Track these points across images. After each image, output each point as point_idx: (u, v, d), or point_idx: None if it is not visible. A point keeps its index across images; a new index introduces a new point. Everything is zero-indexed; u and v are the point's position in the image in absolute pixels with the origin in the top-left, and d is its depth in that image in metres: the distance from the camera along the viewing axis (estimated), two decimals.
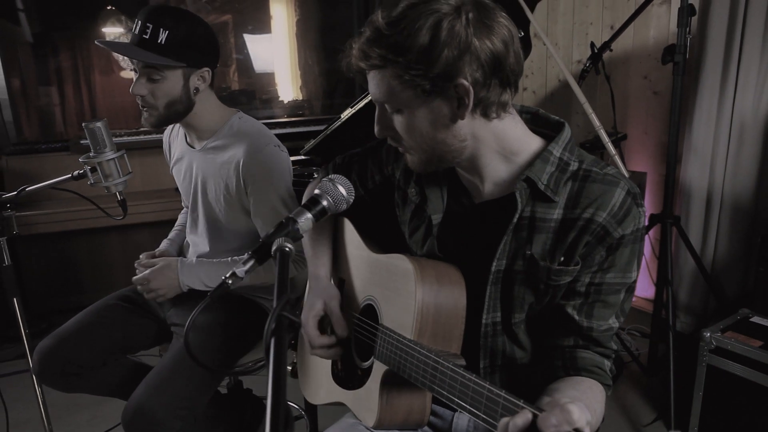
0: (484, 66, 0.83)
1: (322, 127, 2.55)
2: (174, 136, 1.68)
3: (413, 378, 0.89)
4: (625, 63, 2.79)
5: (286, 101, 4.05)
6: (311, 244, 1.22)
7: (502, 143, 0.93)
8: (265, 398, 1.84)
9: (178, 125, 1.65)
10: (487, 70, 0.83)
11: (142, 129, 3.30)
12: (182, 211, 1.84)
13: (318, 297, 1.11)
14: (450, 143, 0.90)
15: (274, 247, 0.79)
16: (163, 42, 1.33)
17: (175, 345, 1.49)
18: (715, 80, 2.32)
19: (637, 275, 0.94)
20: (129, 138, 3.22)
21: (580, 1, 3.00)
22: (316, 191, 0.95)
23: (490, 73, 0.84)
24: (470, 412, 0.77)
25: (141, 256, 1.60)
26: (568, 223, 0.89)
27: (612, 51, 2.35)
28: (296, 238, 0.85)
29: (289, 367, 1.36)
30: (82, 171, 1.41)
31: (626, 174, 0.92)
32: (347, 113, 2.32)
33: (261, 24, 3.97)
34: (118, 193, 1.44)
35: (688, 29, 1.98)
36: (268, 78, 4.04)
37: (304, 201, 1.19)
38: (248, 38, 3.93)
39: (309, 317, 1.09)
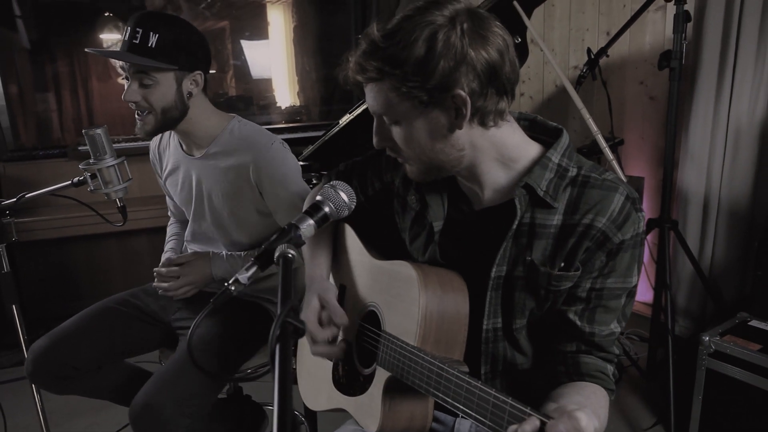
0: (480, 76, 0.84)
1: (319, 133, 2.56)
2: (164, 147, 1.67)
3: (417, 385, 0.89)
4: (621, 68, 2.81)
5: (283, 107, 4.06)
6: (310, 249, 1.22)
7: (500, 151, 0.93)
8: (265, 404, 1.84)
9: (168, 135, 1.64)
10: (483, 79, 0.84)
11: (138, 136, 3.30)
12: (170, 223, 1.84)
13: (313, 293, 1.10)
14: (448, 153, 0.91)
15: (276, 254, 0.79)
16: (153, 45, 1.33)
17: (182, 347, 1.48)
18: (711, 85, 2.34)
19: (638, 280, 0.94)
20: (127, 144, 3.22)
21: (577, 7, 3.02)
22: (318, 197, 0.95)
23: (487, 83, 0.85)
24: (476, 419, 0.77)
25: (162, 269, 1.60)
26: (568, 228, 0.90)
27: (608, 57, 2.36)
28: (298, 244, 0.85)
29: None
30: (82, 177, 1.41)
31: (624, 179, 0.92)
32: (345, 119, 2.33)
33: (258, 30, 3.98)
34: (118, 199, 1.44)
35: (683, 35, 1.99)
36: (266, 84, 4.05)
37: (305, 207, 1.20)
38: (245, 44, 3.93)
39: (307, 314, 1.07)
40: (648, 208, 2.76)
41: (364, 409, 1.03)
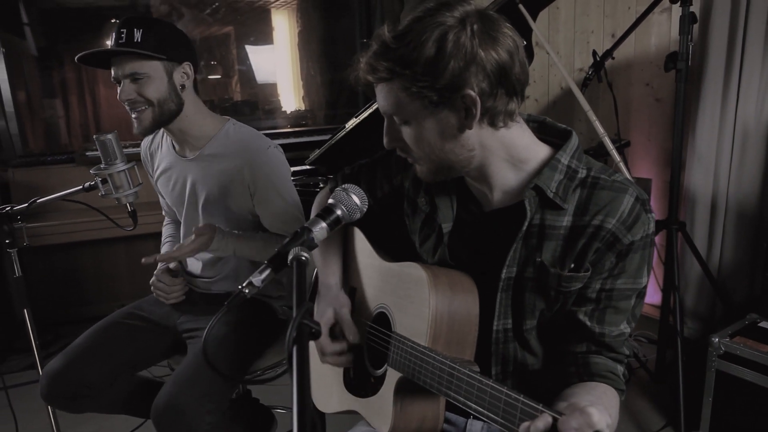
0: (490, 76, 0.84)
1: (325, 137, 2.57)
2: (156, 147, 1.69)
3: (428, 384, 0.90)
4: (626, 70, 2.81)
5: (288, 111, 4.08)
6: (321, 253, 1.22)
7: (510, 152, 0.94)
8: (273, 407, 1.85)
9: (161, 135, 1.66)
10: (493, 80, 0.85)
11: (136, 133, 3.32)
12: (165, 223, 1.85)
13: (328, 305, 1.12)
14: (458, 153, 0.91)
15: (290, 257, 0.80)
16: (139, 40, 1.37)
17: (192, 350, 1.49)
18: (718, 87, 2.33)
19: (648, 280, 0.94)
20: (134, 149, 3.24)
21: (581, 9, 3.02)
22: (330, 200, 0.96)
23: (497, 83, 0.85)
24: (488, 418, 0.77)
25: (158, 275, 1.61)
26: (578, 230, 0.90)
27: (614, 59, 2.36)
28: (311, 247, 0.86)
29: None
30: (93, 182, 1.42)
31: (631, 180, 0.93)
32: (352, 123, 2.34)
33: (263, 35, 4.00)
34: (129, 204, 1.45)
35: (689, 37, 1.99)
36: (271, 88, 4.07)
37: (316, 210, 1.20)
38: (250, 49, 3.96)
39: (320, 325, 1.09)
40: (655, 210, 2.75)
41: (375, 411, 1.03)
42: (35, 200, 1.45)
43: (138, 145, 3.25)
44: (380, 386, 1.03)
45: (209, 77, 3.88)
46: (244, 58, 3.94)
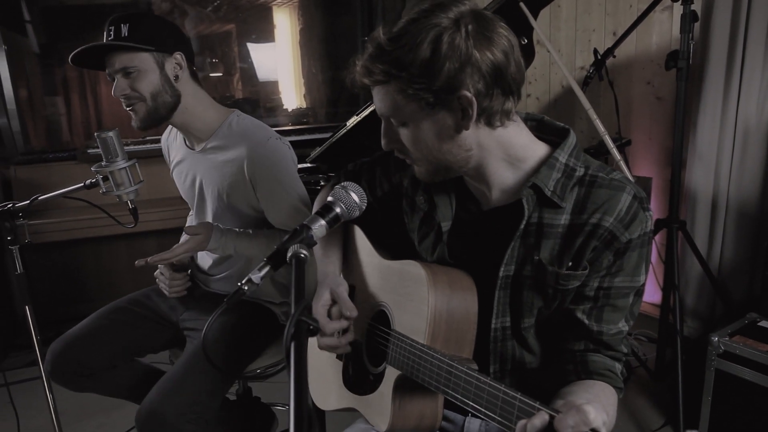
0: (485, 77, 0.85)
1: (326, 135, 2.56)
2: (172, 139, 1.69)
3: (427, 382, 0.90)
4: (628, 69, 2.81)
5: (290, 109, 4.08)
6: (322, 249, 1.23)
7: (507, 151, 0.94)
8: (274, 405, 1.85)
9: None
10: (488, 80, 0.85)
11: (148, 138, 3.33)
12: (189, 214, 1.86)
13: (325, 287, 1.11)
14: (456, 153, 0.92)
15: (289, 254, 0.80)
16: (126, 34, 1.37)
17: (188, 349, 1.50)
18: (719, 85, 2.33)
19: (646, 278, 0.94)
20: (135, 147, 3.25)
21: (583, 8, 3.02)
22: (330, 198, 0.96)
23: (492, 83, 0.86)
24: (486, 415, 0.78)
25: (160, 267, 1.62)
26: (576, 228, 0.91)
27: (615, 57, 2.36)
28: (310, 244, 0.86)
29: None
30: (94, 180, 1.43)
31: (631, 179, 0.93)
32: (353, 121, 2.34)
33: (265, 33, 4.00)
34: (130, 201, 1.45)
35: (691, 35, 1.99)
36: (272, 86, 4.07)
37: (316, 208, 1.20)
38: (252, 47, 3.96)
39: (318, 307, 1.08)
40: (656, 209, 2.75)
41: (374, 408, 1.04)
42: (37, 197, 1.46)
43: (140, 143, 3.29)
44: (379, 384, 1.03)
45: (211, 75, 3.88)
46: (245, 56, 3.94)
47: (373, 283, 1.13)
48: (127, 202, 1.45)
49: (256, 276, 0.81)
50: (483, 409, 0.78)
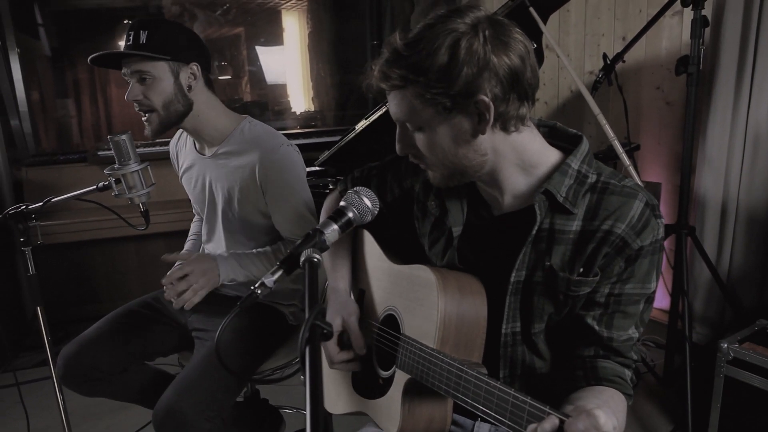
0: (502, 81, 0.85)
1: (334, 139, 2.58)
2: (182, 145, 1.70)
3: (436, 386, 0.90)
4: (637, 74, 2.80)
5: (298, 113, 4.10)
6: (330, 257, 1.23)
7: (521, 156, 0.94)
8: (281, 408, 1.86)
9: (185, 133, 1.67)
10: (505, 85, 0.86)
11: (157, 140, 3.35)
12: (194, 220, 1.86)
13: (337, 313, 1.12)
14: (471, 158, 0.92)
15: (302, 258, 0.81)
16: (144, 41, 1.39)
17: (200, 349, 1.51)
18: (729, 91, 2.32)
19: (657, 286, 0.94)
20: (144, 150, 3.27)
21: (592, 12, 3.02)
22: (342, 203, 0.97)
23: (509, 88, 0.86)
24: (496, 420, 0.78)
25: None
26: (587, 234, 0.91)
27: (624, 62, 2.36)
28: (323, 249, 0.87)
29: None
30: (106, 182, 1.44)
31: (640, 184, 0.93)
32: (362, 125, 2.35)
33: (273, 36, 4.03)
34: (141, 204, 1.47)
35: (701, 40, 1.99)
36: (281, 89, 4.09)
37: (326, 214, 1.21)
38: (260, 50, 3.98)
39: (332, 326, 1.10)
40: (665, 214, 2.74)
41: (383, 412, 1.04)
42: (50, 199, 1.47)
43: (150, 145, 3.31)
44: (388, 388, 1.03)
45: (219, 78, 3.91)
46: (254, 59, 3.96)
47: (382, 288, 1.13)
48: (139, 204, 1.47)
49: (269, 280, 0.82)
50: (493, 413, 0.78)
